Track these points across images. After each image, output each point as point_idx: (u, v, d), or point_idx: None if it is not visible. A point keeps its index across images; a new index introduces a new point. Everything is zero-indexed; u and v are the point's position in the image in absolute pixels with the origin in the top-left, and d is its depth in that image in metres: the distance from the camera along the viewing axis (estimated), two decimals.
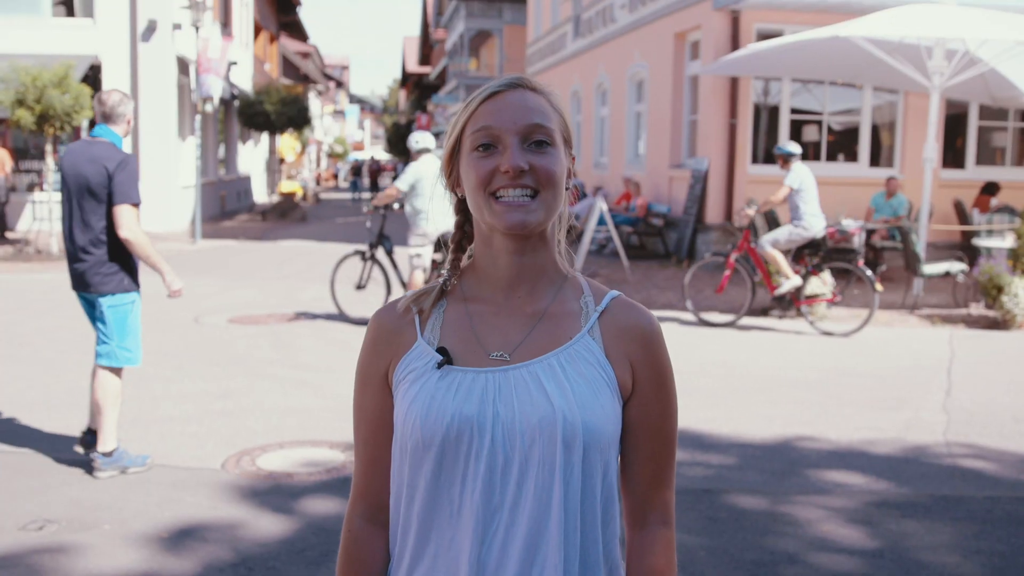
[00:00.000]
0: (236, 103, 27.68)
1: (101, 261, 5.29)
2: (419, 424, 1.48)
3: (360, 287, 10.24)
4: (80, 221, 5.28)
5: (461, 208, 1.61)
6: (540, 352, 1.51)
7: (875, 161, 15.91)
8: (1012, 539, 4.64)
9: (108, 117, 5.41)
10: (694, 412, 6.64)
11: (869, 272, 9.83)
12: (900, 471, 5.64)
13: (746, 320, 10.28)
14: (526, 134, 1.49)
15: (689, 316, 10.39)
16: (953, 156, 16.24)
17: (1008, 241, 11.13)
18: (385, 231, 10.01)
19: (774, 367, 8.29)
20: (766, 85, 15.56)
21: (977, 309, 10.93)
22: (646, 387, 1.55)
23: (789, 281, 9.96)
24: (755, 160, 15.46)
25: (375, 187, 36.84)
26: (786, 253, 10.15)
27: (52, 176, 15.90)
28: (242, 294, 12.09)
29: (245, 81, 29.54)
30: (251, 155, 32.81)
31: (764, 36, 14.53)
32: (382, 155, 73.74)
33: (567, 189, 1.57)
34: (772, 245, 10.00)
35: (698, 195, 15.40)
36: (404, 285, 9.86)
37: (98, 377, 5.38)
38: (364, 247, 10.25)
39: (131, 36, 19.74)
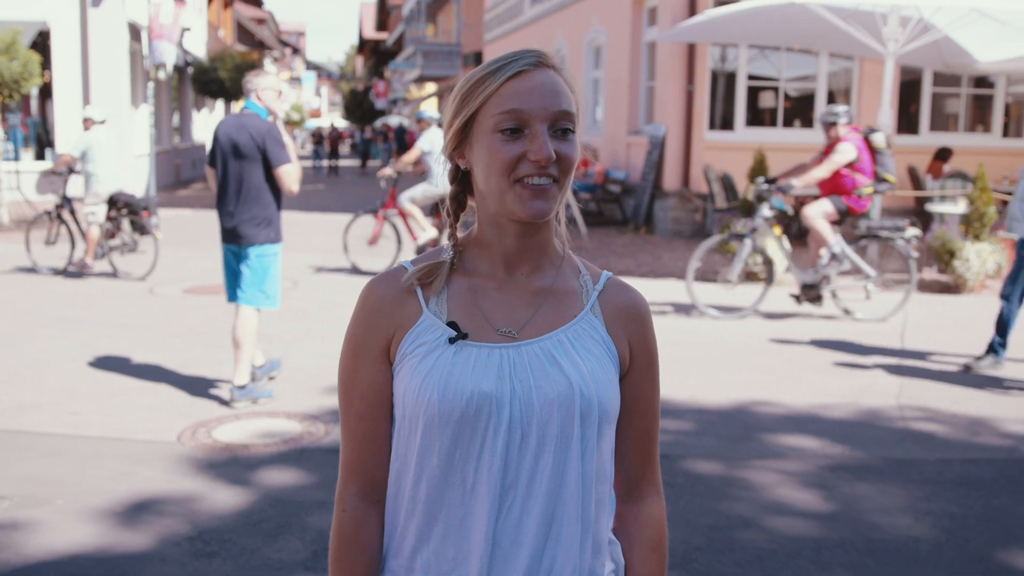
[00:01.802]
0: (190, 70, 27.26)
1: (252, 216, 5.96)
2: (436, 399, 1.45)
3: (50, 243, 11.72)
4: (234, 181, 5.96)
5: (456, 177, 1.57)
6: (547, 329, 1.52)
7: None
8: (962, 500, 4.73)
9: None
10: None
11: None
12: (854, 435, 5.73)
13: None
14: (554, 120, 1.45)
15: None
16: (907, 122, 16.37)
17: (960, 207, 11.26)
18: (67, 194, 11.41)
19: (719, 332, 8.35)
20: (723, 52, 15.57)
21: (930, 274, 11.07)
22: (640, 365, 1.59)
23: (425, 232, 11.20)
24: (712, 126, 15.50)
25: (335, 154, 36.57)
26: (424, 208, 11.45)
27: (2, 146, 15.54)
28: (197, 264, 11.96)
29: (199, 48, 29.06)
30: (206, 123, 32.34)
31: (722, 2, 14.51)
32: (340, 122, 73.10)
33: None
34: (410, 201, 11.18)
35: (655, 161, 15.43)
36: (84, 238, 11.16)
37: (239, 316, 6.05)
38: (51, 208, 11.50)
39: (81, 1, 19.25)
